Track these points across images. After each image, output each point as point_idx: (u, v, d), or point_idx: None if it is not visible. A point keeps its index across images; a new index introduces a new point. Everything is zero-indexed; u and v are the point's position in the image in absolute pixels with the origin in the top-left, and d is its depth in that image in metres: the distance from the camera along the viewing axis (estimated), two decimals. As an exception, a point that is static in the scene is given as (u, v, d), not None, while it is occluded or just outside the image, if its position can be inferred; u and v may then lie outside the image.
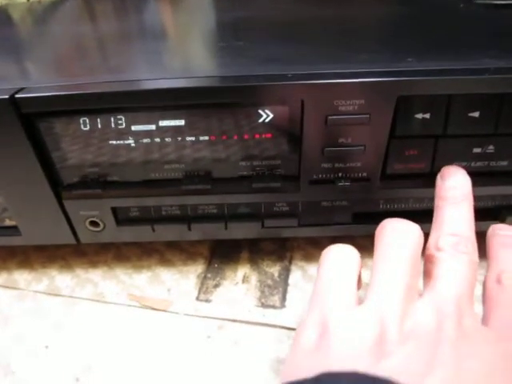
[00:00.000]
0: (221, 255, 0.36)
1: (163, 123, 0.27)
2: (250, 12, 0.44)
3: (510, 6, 0.39)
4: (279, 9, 0.45)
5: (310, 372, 0.18)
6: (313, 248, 0.36)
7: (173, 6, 0.54)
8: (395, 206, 0.31)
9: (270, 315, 0.30)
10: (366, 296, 0.21)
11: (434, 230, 0.24)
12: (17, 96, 0.25)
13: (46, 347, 0.29)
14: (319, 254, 0.36)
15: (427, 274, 0.23)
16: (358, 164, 0.28)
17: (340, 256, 0.24)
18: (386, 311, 0.20)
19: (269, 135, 0.28)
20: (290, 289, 0.33)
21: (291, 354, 0.21)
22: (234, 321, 0.30)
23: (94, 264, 0.36)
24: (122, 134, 0.27)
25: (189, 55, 0.33)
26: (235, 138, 0.28)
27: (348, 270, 0.23)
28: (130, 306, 0.32)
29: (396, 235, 0.23)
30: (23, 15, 0.55)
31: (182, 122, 0.27)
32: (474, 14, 0.40)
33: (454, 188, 0.25)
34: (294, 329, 0.29)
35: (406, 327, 0.19)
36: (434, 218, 0.25)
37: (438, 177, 0.26)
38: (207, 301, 0.32)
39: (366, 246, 0.30)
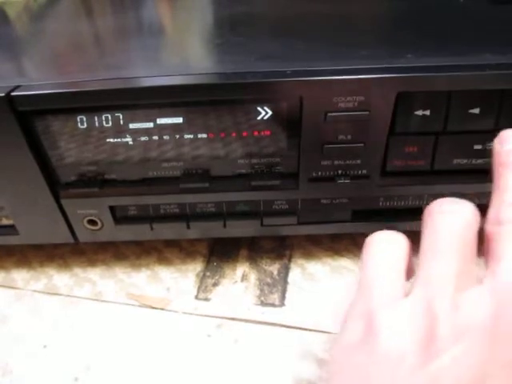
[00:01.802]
0: (220, 253, 0.36)
1: (161, 121, 0.27)
2: (248, 7, 0.43)
3: None
4: (277, 3, 0.44)
5: (356, 370, 0.17)
6: (312, 246, 0.36)
7: (172, 1, 0.53)
8: (395, 204, 0.31)
9: (270, 313, 0.30)
10: (412, 286, 0.19)
11: (495, 200, 0.21)
12: (13, 94, 0.24)
13: (45, 347, 0.29)
14: (319, 252, 0.36)
15: (489, 254, 0.20)
16: (358, 161, 0.28)
17: (387, 243, 0.22)
18: (435, 302, 0.18)
19: (267, 132, 0.27)
20: (289, 287, 0.32)
21: (336, 346, 0.20)
22: (234, 319, 0.30)
23: (92, 263, 0.36)
24: (120, 131, 0.27)
25: (186, 52, 0.32)
26: (233, 135, 0.28)
27: (395, 257, 0.21)
28: (129, 304, 0.32)
29: (444, 218, 0.20)
30: (19, 13, 0.55)
31: (180, 120, 0.27)
32: (474, 9, 0.40)
33: None
34: (293, 327, 0.29)
35: (460, 320, 0.17)
36: (494, 189, 0.22)
37: (496, 142, 0.23)
38: (206, 299, 0.32)
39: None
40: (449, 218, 0.20)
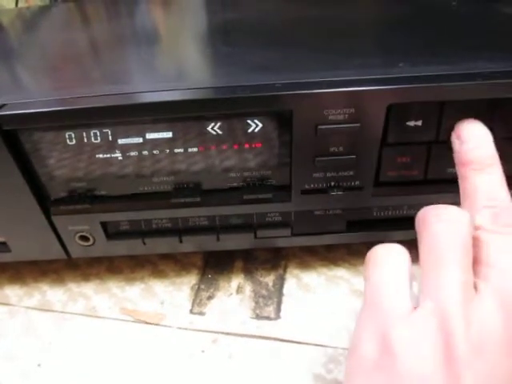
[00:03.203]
0: (214, 265, 0.36)
1: (150, 136, 0.27)
2: (238, 14, 0.43)
3: None
4: (268, 11, 0.44)
5: None
6: (307, 255, 0.36)
7: (162, 9, 0.53)
8: (389, 213, 0.31)
9: (265, 327, 0.30)
10: (420, 298, 0.19)
11: (466, 205, 0.21)
12: (-2, 113, 0.24)
13: (39, 365, 0.29)
14: (314, 262, 0.35)
15: (474, 261, 0.19)
16: (351, 173, 0.27)
17: (389, 257, 0.21)
18: (447, 317, 0.17)
19: (258, 145, 0.27)
20: (284, 299, 0.32)
21: (349, 371, 0.19)
22: (228, 334, 0.30)
23: (86, 277, 0.35)
24: (109, 147, 0.27)
25: (176, 64, 0.32)
26: (224, 148, 0.27)
27: (399, 270, 0.20)
28: (123, 320, 0.32)
29: (441, 227, 0.20)
30: (11, 22, 0.54)
31: (169, 134, 0.27)
32: (467, 13, 0.40)
33: (478, 148, 0.22)
34: (289, 341, 0.29)
35: (474, 334, 0.17)
36: (461, 191, 0.22)
37: (453, 136, 0.23)
38: (201, 313, 0.31)
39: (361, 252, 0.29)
40: (447, 226, 0.20)
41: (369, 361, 0.18)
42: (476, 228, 0.20)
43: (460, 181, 0.22)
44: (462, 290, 0.18)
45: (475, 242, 0.20)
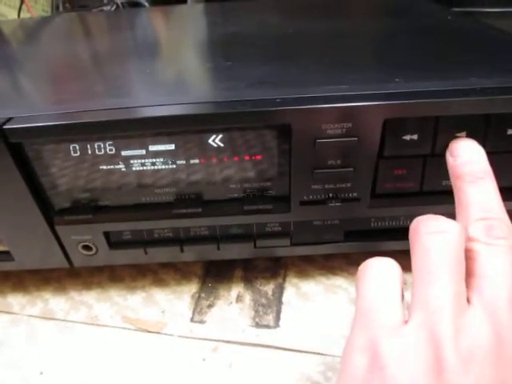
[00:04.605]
0: (214, 274, 0.36)
1: (153, 148, 0.27)
2: (238, 28, 0.44)
3: (486, 13, 0.40)
4: (268, 24, 0.45)
5: None
6: (306, 264, 0.36)
7: (163, 22, 0.54)
8: (386, 224, 0.31)
9: (265, 335, 0.31)
10: (411, 310, 0.19)
11: (460, 217, 0.21)
12: (5, 127, 0.25)
13: (41, 373, 0.29)
14: (313, 271, 0.36)
15: (468, 273, 0.20)
16: (348, 185, 0.28)
17: (380, 270, 0.21)
18: (437, 328, 0.18)
19: (258, 157, 0.28)
20: (283, 307, 0.33)
21: (341, 380, 0.19)
22: (229, 342, 0.30)
23: (88, 286, 0.36)
24: (112, 159, 0.28)
25: (177, 78, 0.33)
26: (225, 160, 0.28)
27: (391, 284, 0.21)
28: (125, 328, 0.32)
29: (432, 238, 0.20)
30: (14, 33, 0.55)
31: (172, 147, 0.27)
32: (461, 27, 0.40)
33: (470, 163, 0.22)
34: (288, 349, 0.30)
35: (463, 345, 0.17)
36: (456, 204, 0.22)
37: (448, 154, 0.24)
38: (201, 322, 0.32)
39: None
40: (438, 237, 0.20)
41: (359, 372, 0.18)
42: (470, 240, 0.20)
43: (455, 193, 0.23)
44: (452, 301, 0.18)
45: (469, 254, 0.20)
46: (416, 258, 0.20)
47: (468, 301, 0.19)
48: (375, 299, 0.20)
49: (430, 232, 0.20)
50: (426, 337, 0.18)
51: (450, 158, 0.24)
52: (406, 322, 0.19)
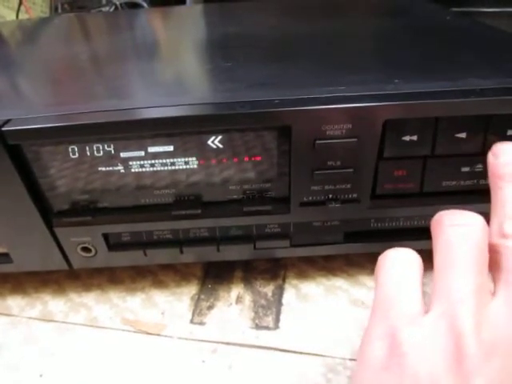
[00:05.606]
0: (214, 275, 0.36)
1: (152, 149, 0.27)
2: (238, 28, 0.44)
3: (485, 13, 0.40)
4: (267, 25, 0.45)
5: None
6: (306, 265, 0.36)
7: (162, 23, 0.54)
8: (386, 225, 0.31)
9: (264, 337, 0.30)
10: (431, 302, 0.19)
11: (496, 214, 0.21)
12: (3, 129, 0.24)
13: (40, 376, 0.29)
14: (312, 271, 0.36)
15: (495, 267, 0.20)
16: (348, 186, 0.28)
17: (400, 260, 0.22)
18: (458, 319, 0.18)
19: (258, 158, 0.28)
20: (283, 308, 0.33)
21: (358, 371, 0.19)
22: (228, 344, 0.30)
23: (87, 287, 0.36)
24: (111, 160, 0.27)
25: (176, 79, 0.33)
26: (224, 161, 0.28)
27: (411, 274, 0.21)
28: (125, 330, 0.32)
29: (456, 230, 0.20)
30: (12, 34, 0.55)
31: (170, 148, 0.27)
32: (460, 27, 0.40)
33: (510, 163, 0.22)
34: (288, 351, 0.29)
35: (485, 337, 0.17)
36: (492, 202, 0.22)
37: (490, 155, 0.24)
38: (201, 323, 0.32)
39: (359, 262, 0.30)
40: (462, 230, 0.20)
41: (378, 361, 0.18)
42: (504, 236, 0.20)
43: (492, 191, 0.23)
44: (475, 293, 0.18)
45: (499, 249, 0.20)
46: (438, 250, 0.21)
47: (493, 294, 0.19)
48: (395, 289, 0.20)
49: (453, 224, 0.21)
50: (447, 327, 0.18)
51: (491, 157, 0.24)
52: (425, 312, 0.19)
